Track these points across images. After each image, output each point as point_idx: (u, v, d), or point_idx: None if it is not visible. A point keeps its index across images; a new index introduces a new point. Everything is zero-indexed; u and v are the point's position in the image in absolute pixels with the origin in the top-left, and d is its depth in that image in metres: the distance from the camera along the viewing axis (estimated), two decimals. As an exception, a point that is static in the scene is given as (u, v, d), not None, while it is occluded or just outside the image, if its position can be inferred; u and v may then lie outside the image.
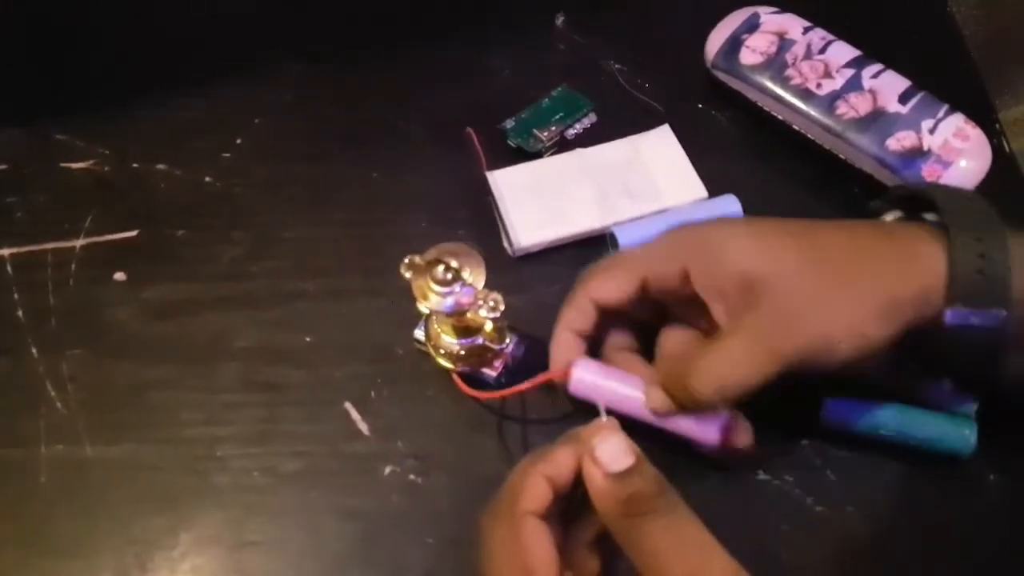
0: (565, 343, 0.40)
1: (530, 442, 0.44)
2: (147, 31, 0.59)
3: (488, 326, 0.43)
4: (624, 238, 0.47)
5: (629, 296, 0.39)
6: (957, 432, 0.41)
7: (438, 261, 0.38)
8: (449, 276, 0.38)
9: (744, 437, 0.39)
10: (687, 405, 0.37)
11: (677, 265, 0.38)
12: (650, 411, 0.38)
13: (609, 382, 0.39)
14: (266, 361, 0.46)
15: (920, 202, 0.39)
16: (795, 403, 0.43)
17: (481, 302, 0.39)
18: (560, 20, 0.58)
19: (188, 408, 0.45)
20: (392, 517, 0.42)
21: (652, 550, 0.30)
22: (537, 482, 0.33)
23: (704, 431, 0.39)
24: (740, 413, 0.40)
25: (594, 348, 0.42)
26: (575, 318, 0.40)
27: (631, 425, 0.36)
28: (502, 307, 0.38)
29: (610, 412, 0.37)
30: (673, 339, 0.41)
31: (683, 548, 0.31)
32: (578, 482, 0.33)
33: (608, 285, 0.40)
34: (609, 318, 0.41)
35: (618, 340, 0.42)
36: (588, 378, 0.40)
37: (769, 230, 0.38)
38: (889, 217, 0.42)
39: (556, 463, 0.33)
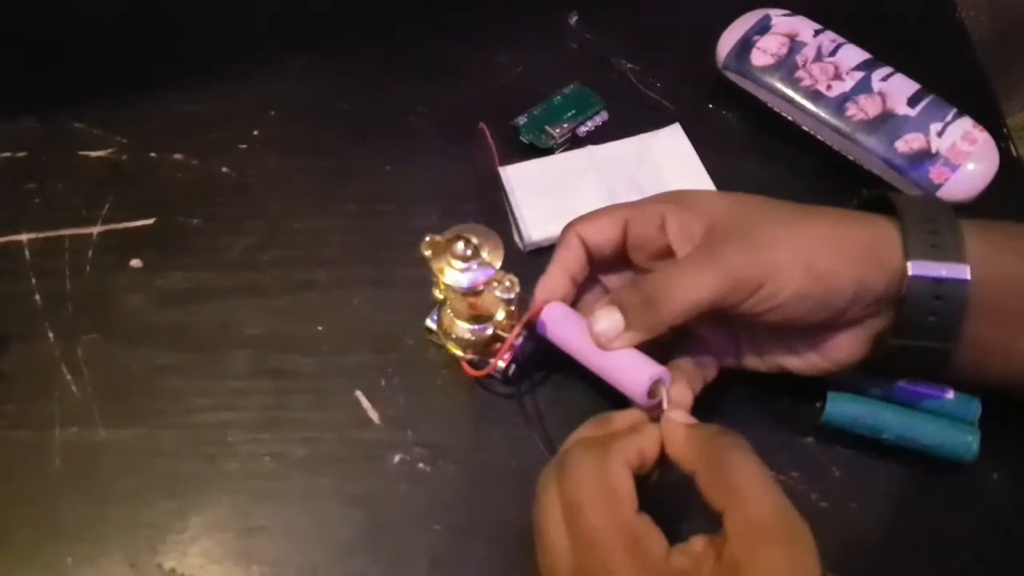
0: (552, 277, 0.41)
1: (542, 433, 0.44)
2: (168, 24, 0.60)
3: (500, 315, 0.43)
4: None
5: (612, 238, 0.41)
6: (959, 438, 0.41)
7: (459, 237, 0.39)
8: (469, 252, 0.39)
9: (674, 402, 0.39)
10: (635, 321, 0.38)
11: (657, 213, 0.40)
12: (592, 336, 0.39)
13: (568, 324, 0.40)
14: (277, 349, 0.47)
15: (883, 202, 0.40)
16: (800, 400, 0.43)
17: (497, 282, 0.39)
18: (574, 19, 0.59)
19: (200, 394, 0.45)
20: (400, 504, 0.42)
21: (736, 480, 0.32)
22: (630, 450, 0.35)
23: (634, 378, 0.38)
24: (689, 388, 0.40)
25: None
26: (565, 256, 0.41)
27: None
28: (517, 289, 0.40)
29: (564, 355, 0.41)
30: None
31: (765, 482, 0.33)
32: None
33: (594, 224, 0.41)
34: (595, 270, 0.43)
35: (593, 301, 0.43)
36: (550, 320, 0.41)
37: (741, 194, 0.40)
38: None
39: (647, 437, 0.36)
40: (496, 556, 0.41)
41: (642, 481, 0.35)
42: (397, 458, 0.43)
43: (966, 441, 0.41)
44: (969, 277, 0.36)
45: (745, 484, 0.32)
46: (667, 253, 0.40)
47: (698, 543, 0.33)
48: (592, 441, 0.35)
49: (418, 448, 0.44)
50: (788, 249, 0.37)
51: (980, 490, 0.42)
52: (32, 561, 0.41)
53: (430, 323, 0.45)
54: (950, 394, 0.42)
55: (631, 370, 0.38)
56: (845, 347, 0.39)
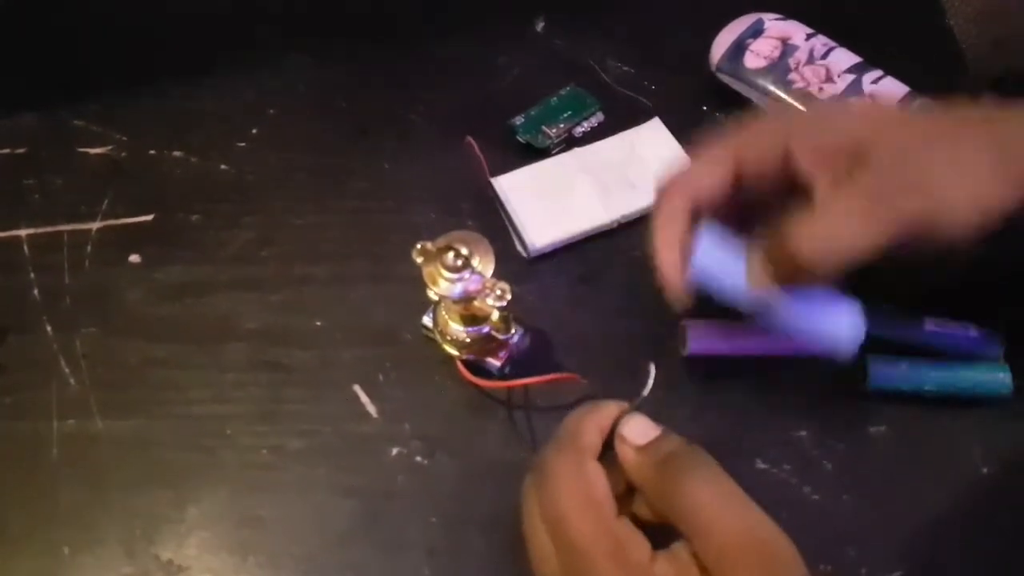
0: (673, 258, 0.37)
1: (533, 427, 0.44)
2: (167, 21, 0.61)
3: (495, 316, 0.44)
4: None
5: (724, 185, 0.37)
6: (993, 377, 0.43)
7: (449, 247, 0.39)
8: (459, 263, 0.39)
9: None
10: (790, 276, 0.35)
11: (779, 139, 0.35)
12: (753, 293, 0.36)
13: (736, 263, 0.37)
14: (275, 342, 0.47)
15: None
16: (792, 393, 0.44)
17: (488, 290, 0.40)
18: (540, 25, 0.60)
19: (198, 386, 0.46)
20: (397, 496, 0.43)
21: (695, 507, 0.31)
22: (591, 430, 0.34)
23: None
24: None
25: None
26: (671, 230, 0.37)
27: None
28: (509, 296, 0.40)
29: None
30: None
31: (726, 503, 0.31)
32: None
33: (703, 171, 0.37)
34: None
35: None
36: (713, 255, 0.37)
37: (873, 104, 0.37)
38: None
39: (604, 413, 0.35)
40: (491, 547, 0.41)
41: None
42: (394, 451, 0.44)
43: (998, 378, 0.43)
44: None
45: (702, 511, 0.31)
46: (790, 188, 0.35)
47: (682, 551, 0.32)
48: (561, 446, 0.35)
49: (415, 441, 0.44)
50: (957, 179, 0.33)
51: (970, 483, 0.43)
52: (30, 551, 0.41)
53: (427, 320, 0.46)
54: (972, 331, 0.43)
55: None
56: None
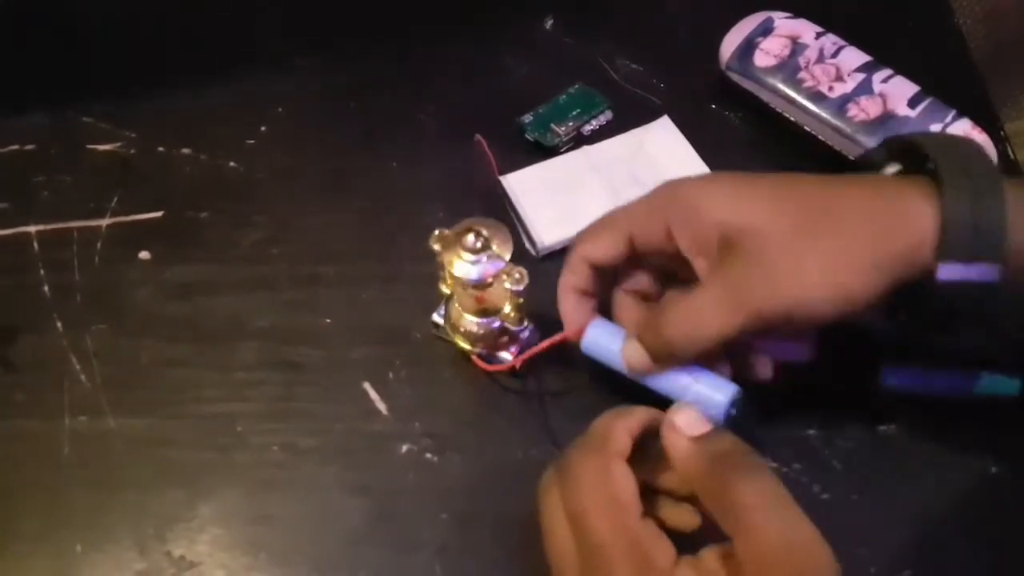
0: (571, 304, 0.41)
1: (545, 424, 0.44)
2: (177, 19, 0.61)
3: (507, 307, 0.44)
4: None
5: (619, 254, 0.40)
6: (1002, 378, 0.43)
7: (469, 229, 0.40)
8: (479, 244, 0.39)
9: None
10: (661, 357, 0.38)
11: (660, 222, 0.38)
12: (627, 367, 0.39)
13: (616, 344, 0.40)
14: (285, 341, 0.47)
15: (918, 153, 0.37)
16: (801, 393, 0.44)
17: (506, 275, 0.40)
18: (549, 23, 0.60)
19: (209, 385, 0.46)
20: (407, 494, 0.43)
21: (744, 507, 0.31)
22: (622, 434, 0.35)
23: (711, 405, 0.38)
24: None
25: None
26: (573, 279, 0.41)
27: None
28: (527, 280, 0.40)
29: (618, 375, 0.40)
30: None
31: (774, 506, 0.31)
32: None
33: (597, 246, 0.40)
34: (618, 271, 0.42)
35: (631, 283, 0.42)
36: (597, 340, 0.41)
37: (747, 182, 0.37)
38: (890, 170, 0.39)
39: (635, 418, 0.35)
40: (502, 545, 0.41)
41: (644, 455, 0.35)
42: (405, 448, 0.44)
43: (1007, 380, 0.43)
44: (998, 278, 0.34)
45: (752, 511, 0.31)
46: (683, 257, 0.38)
47: (710, 558, 0.32)
48: (591, 446, 0.35)
49: (425, 439, 0.44)
50: (813, 274, 0.35)
51: (978, 483, 0.43)
52: (42, 548, 0.41)
53: (437, 318, 0.46)
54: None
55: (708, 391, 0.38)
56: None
